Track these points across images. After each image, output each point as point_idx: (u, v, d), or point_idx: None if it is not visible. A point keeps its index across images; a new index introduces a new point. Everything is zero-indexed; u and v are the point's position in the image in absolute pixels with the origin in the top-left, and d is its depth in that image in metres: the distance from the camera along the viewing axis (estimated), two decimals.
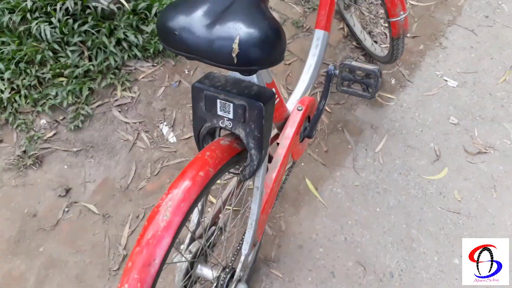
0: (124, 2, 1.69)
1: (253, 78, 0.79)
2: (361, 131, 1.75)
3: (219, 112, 0.77)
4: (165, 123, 1.67)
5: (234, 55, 0.63)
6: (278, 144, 1.09)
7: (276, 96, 0.90)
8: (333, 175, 1.61)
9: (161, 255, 0.66)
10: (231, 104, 0.74)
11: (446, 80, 1.96)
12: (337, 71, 1.02)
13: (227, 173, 0.87)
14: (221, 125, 0.79)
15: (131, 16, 1.70)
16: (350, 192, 1.56)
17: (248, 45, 0.63)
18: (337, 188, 1.57)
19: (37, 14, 1.62)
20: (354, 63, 0.99)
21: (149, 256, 0.65)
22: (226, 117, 0.77)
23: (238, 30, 0.63)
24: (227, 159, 0.79)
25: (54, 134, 1.59)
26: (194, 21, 0.65)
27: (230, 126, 0.78)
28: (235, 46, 0.62)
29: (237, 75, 0.79)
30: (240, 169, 0.87)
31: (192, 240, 1.01)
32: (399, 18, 1.44)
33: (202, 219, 0.99)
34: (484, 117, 1.84)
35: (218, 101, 0.75)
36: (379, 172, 1.63)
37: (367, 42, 1.89)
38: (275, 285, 1.33)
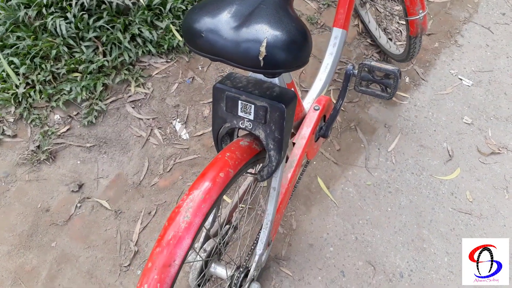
0: None
1: (275, 79, 0.78)
2: (374, 130, 1.74)
3: (240, 113, 0.76)
4: (178, 119, 1.67)
5: (261, 58, 0.62)
6: (294, 144, 1.09)
7: None
8: (345, 174, 1.60)
9: (181, 255, 0.66)
10: (253, 106, 0.74)
11: (461, 79, 1.94)
12: (355, 71, 1.01)
13: (244, 173, 0.87)
14: (241, 126, 0.79)
15: (145, 12, 1.70)
16: (362, 192, 1.56)
17: (275, 48, 0.62)
18: (349, 187, 1.57)
19: (52, 9, 1.62)
20: (373, 63, 0.98)
21: (169, 256, 0.65)
22: (247, 118, 0.77)
23: (265, 33, 0.62)
24: (246, 160, 0.79)
25: (68, 130, 1.59)
26: (221, 23, 0.65)
27: (250, 127, 0.78)
28: (263, 49, 0.62)
29: (258, 75, 0.79)
30: (258, 169, 0.87)
31: (207, 238, 1.01)
32: (418, 17, 1.42)
33: (219, 215, 0.99)
34: (499, 117, 1.82)
35: (240, 102, 0.75)
36: (391, 172, 1.62)
37: (382, 39, 1.88)
38: (285, 283, 1.33)
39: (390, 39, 1.94)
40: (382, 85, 1.02)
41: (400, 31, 2.08)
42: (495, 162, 1.68)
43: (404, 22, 2.01)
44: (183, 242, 0.66)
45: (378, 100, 1.83)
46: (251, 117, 0.76)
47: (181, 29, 1.64)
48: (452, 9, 2.24)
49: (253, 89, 0.75)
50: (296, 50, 0.65)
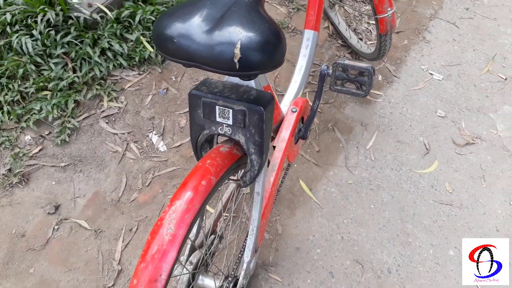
0: (107, 11, 1.66)
1: (251, 82, 0.77)
2: (351, 129, 1.75)
3: (218, 119, 0.75)
4: (154, 132, 1.64)
5: (236, 60, 0.61)
6: (274, 147, 1.08)
7: None
8: (326, 174, 1.60)
9: (167, 269, 0.64)
10: (231, 110, 0.73)
11: (432, 74, 1.99)
12: (330, 71, 1.02)
13: (227, 180, 0.85)
14: (220, 131, 0.77)
15: (114, 25, 1.67)
16: (344, 191, 1.56)
17: (250, 50, 0.61)
18: (331, 188, 1.57)
19: (17, 27, 1.57)
20: (347, 61, 0.99)
21: (155, 271, 0.63)
22: (226, 123, 0.75)
23: (239, 35, 0.61)
24: (228, 166, 0.77)
25: (40, 150, 1.54)
26: (193, 28, 0.63)
27: (230, 133, 0.77)
28: (237, 51, 0.61)
29: (234, 80, 0.78)
30: (240, 175, 0.86)
31: (192, 250, 0.99)
32: (386, 15, 1.45)
33: (203, 225, 0.97)
34: (470, 109, 1.86)
35: (217, 107, 0.73)
36: (371, 169, 1.63)
37: (353, 40, 1.90)
38: None
39: (361, 39, 1.97)
40: (357, 83, 1.03)
41: (370, 30, 2.12)
42: (470, 152, 1.71)
43: (373, 22, 2.05)
44: (168, 256, 0.64)
45: (353, 99, 1.85)
46: (230, 122, 0.75)
47: (152, 36, 1.61)
48: (418, 7, 2.30)
49: (230, 94, 0.74)
50: (271, 50, 0.64)
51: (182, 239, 0.66)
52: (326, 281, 1.34)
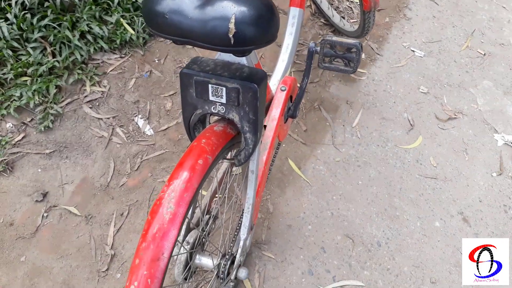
0: None
1: (243, 60, 0.77)
2: (337, 107, 1.77)
3: (211, 98, 0.74)
4: (140, 115, 1.62)
5: (231, 35, 0.61)
6: (265, 126, 1.08)
7: None
8: (314, 153, 1.62)
9: (169, 248, 0.64)
10: (224, 88, 0.72)
11: (413, 51, 2.01)
12: (318, 48, 1.01)
13: (221, 160, 0.85)
14: (213, 111, 0.77)
15: (93, 7, 1.62)
16: (332, 168, 1.59)
17: (245, 24, 0.61)
18: (319, 166, 1.59)
19: None
20: (334, 38, 0.99)
21: (157, 250, 0.63)
22: (219, 102, 0.75)
23: (232, 9, 0.60)
24: (223, 145, 0.77)
25: (23, 137, 1.50)
26: (185, 3, 0.62)
27: (223, 111, 0.76)
28: (232, 25, 0.60)
29: (226, 57, 0.77)
30: (234, 154, 0.86)
31: (188, 230, 0.99)
32: None
33: (197, 206, 0.97)
34: (452, 84, 1.90)
35: (210, 86, 0.72)
36: (358, 146, 1.66)
37: (335, 18, 1.90)
38: (268, 267, 1.34)
39: (343, 17, 1.97)
40: (345, 60, 1.04)
41: (351, 8, 2.12)
42: (453, 127, 1.75)
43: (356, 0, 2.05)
44: (170, 234, 0.64)
45: (338, 78, 1.86)
46: (223, 100, 0.74)
47: (141, 12, 1.58)
48: None
49: (223, 71, 0.73)
50: (265, 24, 0.64)
51: (182, 217, 0.66)
52: (318, 256, 1.37)
